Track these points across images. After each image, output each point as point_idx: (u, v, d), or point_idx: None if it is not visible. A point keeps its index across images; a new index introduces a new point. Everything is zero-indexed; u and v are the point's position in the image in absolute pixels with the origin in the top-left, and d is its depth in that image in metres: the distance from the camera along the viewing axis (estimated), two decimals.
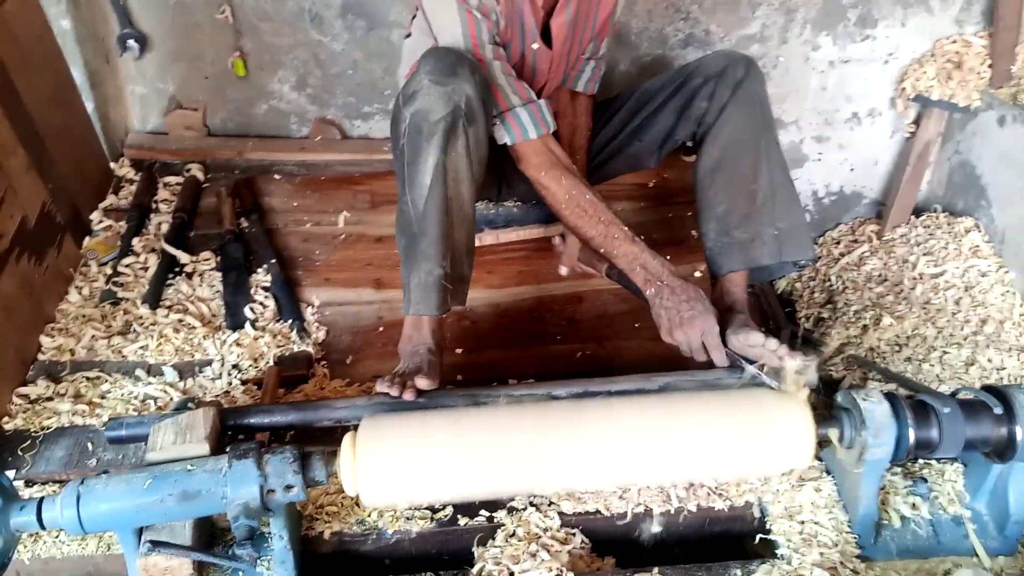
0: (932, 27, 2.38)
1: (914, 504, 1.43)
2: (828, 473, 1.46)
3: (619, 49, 2.33)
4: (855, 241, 2.60)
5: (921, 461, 1.51)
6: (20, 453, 1.47)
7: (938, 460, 1.50)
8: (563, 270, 1.89)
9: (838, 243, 2.63)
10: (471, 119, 1.43)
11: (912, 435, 1.32)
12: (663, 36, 2.32)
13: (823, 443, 1.39)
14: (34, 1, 1.92)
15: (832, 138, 2.56)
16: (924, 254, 2.40)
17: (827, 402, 1.41)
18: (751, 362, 1.44)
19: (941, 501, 1.44)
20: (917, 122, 2.51)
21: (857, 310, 2.34)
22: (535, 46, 1.62)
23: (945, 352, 2.11)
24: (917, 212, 2.58)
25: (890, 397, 1.35)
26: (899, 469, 1.49)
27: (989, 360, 2.07)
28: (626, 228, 1.56)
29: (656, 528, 1.43)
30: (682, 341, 1.51)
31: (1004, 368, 2.06)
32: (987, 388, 1.38)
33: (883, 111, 2.52)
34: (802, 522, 1.39)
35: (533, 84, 1.68)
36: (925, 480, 1.47)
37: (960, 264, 2.32)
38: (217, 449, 1.29)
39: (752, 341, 1.44)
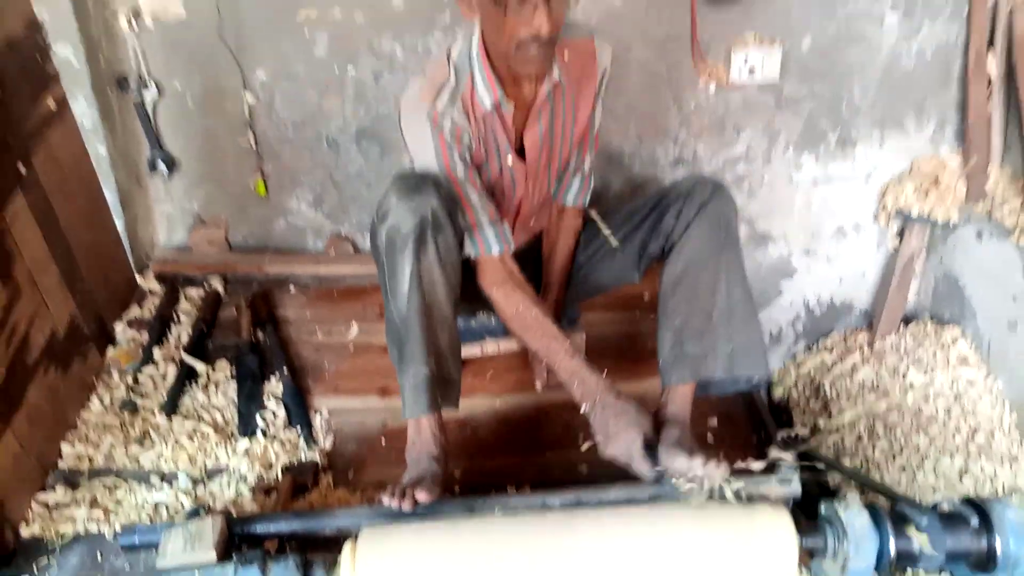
0: (909, 147, 2.54)
1: None
2: None
3: (612, 170, 2.49)
4: (847, 350, 2.68)
5: (909, 571, 1.54)
6: (35, 563, 1.53)
7: (925, 571, 1.54)
8: (538, 384, 2.01)
9: (831, 351, 2.71)
10: (438, 228, 1.56)
11: (893, 546, 1.37)
12: (654, 158, 2.48)
13: (807, 554, 1.44)
14: (75, 129, 2.09)
15: (820, 251, 2.68)
16: (913, 363, 2.48)
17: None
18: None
19: None
20: (901, 235, 2.63)
21: (851, 418, 2.40)
22: (510, 161, 1.74)
23: (938, 461, 2.16)
24: (906, 321, 2.67)
25: (871, 508, 1.40)
26: None
27: (982, 469, 2.12)
28: (568, 344, 1.65)
29: None
30: (614, 455, 1.57)
31: (997, 477, 2.10)
32: (967, 500, 1.43)
33: (867, 225, 2.65)
34: None
35: (513, 195, 1.80)
36: None
37: (949, 373, 2.39)
38: (224, 556, 1.35)
39: (676, 463, 1.48)
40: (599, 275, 1.91)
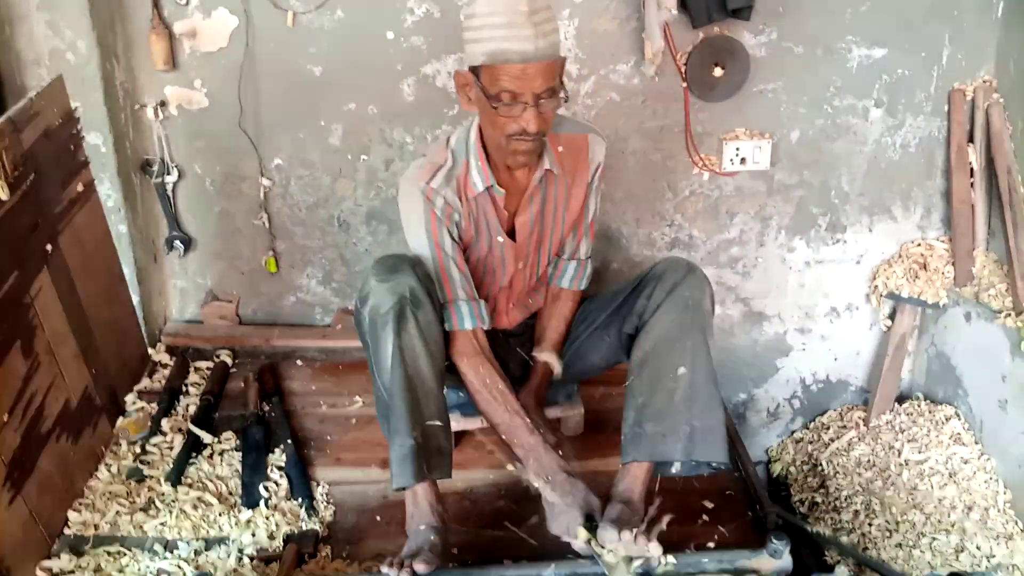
0: (897, 232, 2.63)
1: None
2: None
3: (612, 250, 2.59)
4: (844, 427, 2.71)
5: None
6: None
7: None
8: (509, 467, 2.01)
9: (828, 428, 2.74)
10: (417, 304, 1.65)
11: None
12: (651, 239, 2.59)
13: None
14: (99, 211, 2.20)
15: (814, 330, 2.75)
16: (908, 441, 2.51)
17: None
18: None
19: None
20: (892, 316, 2.70)
21: (848, 495, 2.42)
22: (500, 240, 1.84)
23: (934, 539, 2.17)
24: (901, 399, 2.71)
25: None
26: None
27: (978, 547, 2.13)
28: (529, 423, 1.72)
29: None
30: (556, 532, 1.61)
31: (993, 556, 2.11)
32: (954, 574, 1.46)
33: (860, 305, 2.72)
34: None
35: (503, 272, 1.89)
36: None
37: (943, 451, 2.42)
38: None
39: (607, 537, 1.50)
40: (588, 355, 1.97)
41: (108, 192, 2.29)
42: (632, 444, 1.70)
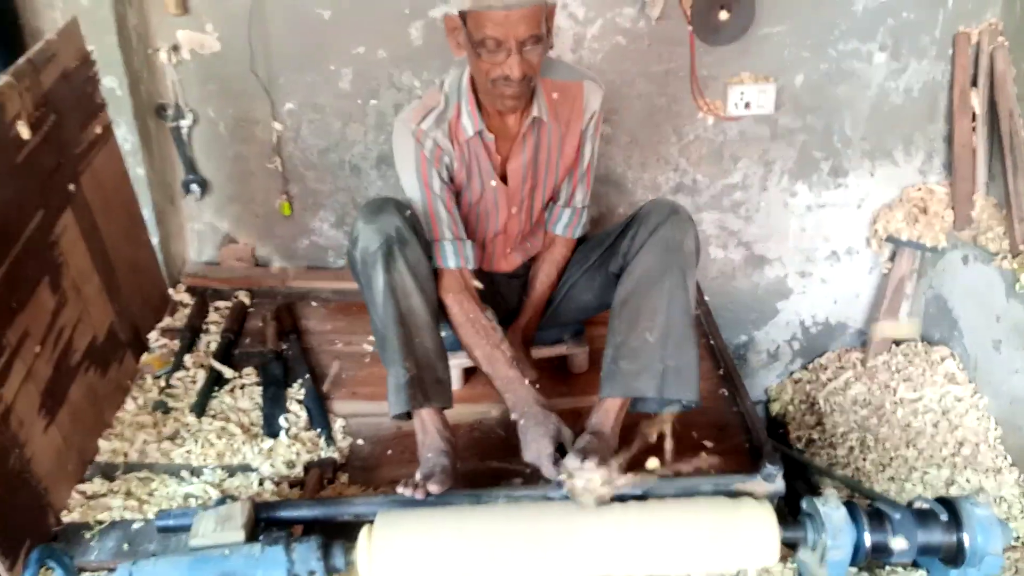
0: (898, 176, 2.67)
1: None
2: None
3: (617, 195, 2.63)
4: (841, 368, 2.79)
5: (888, 567, 1.64)
6: (77, 543, 1.66)
7: (903, 566, 1.64)
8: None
9: (826, 369, 2.82)
10: (403, 243, 1.72)
11: (868, 539, 1.48)
12: (655, 184, 2.63)
13: (792, 545, 1.55)
14: (118, 153, 2.25)
15: (814, 273, 2.81)
16: (904, 380, 2.58)
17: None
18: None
19: None
20: (892, 259, 2.75)
21: (844, 432, 2.51)
22: (493, 184, 1.89)
23: (926, 472, 2.26)
24: (897, 341, 2.78)
25: (848, 504, 1.51)
26: (866, 574, 1.62)
27: (967, 480, 2.21)
28: (509, 357, 1.80)
29: None
30: (529, 460, 1.68)
31: (982, 489, 2.19)
32: (939, 499, 1.54)
33: (860, 249, 2.77)
34: None
35: (497, 216, 1.95)
36: None
37: (937, 390, 2.49)
38: (251, 537, 1.47)
39: (570, 464, 1.55)
40: (582, 295, 2.03)
41: (125, 135, 2.34)
42: (608, 380, 1.76)
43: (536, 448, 1.67)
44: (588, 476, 1.51)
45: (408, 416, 1.75)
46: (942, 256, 2.63)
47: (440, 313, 1.84)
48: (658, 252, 1.76)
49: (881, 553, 1.49)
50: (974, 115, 2.52)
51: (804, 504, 1.54)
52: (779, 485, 1.61)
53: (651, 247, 1.77)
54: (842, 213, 2.71)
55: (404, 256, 1.73)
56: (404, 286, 1.73)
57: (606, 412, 1.75)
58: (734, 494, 1.59)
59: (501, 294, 2.09)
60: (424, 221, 1.84)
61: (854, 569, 1.60)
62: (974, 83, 2.51)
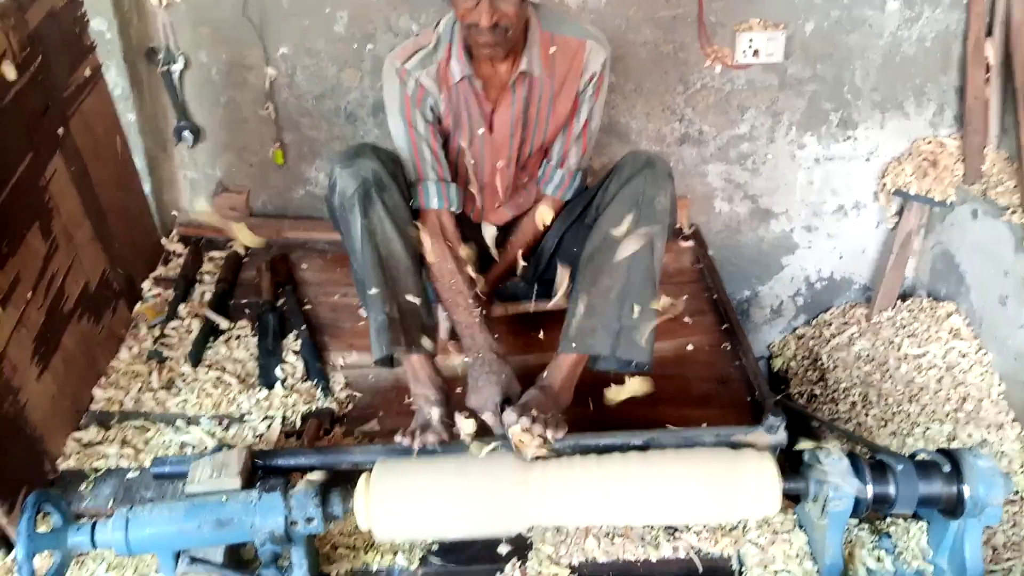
0: (909, 129, 2.61)
1: (879, 557, 1.55)
2: (800, 527, 1.59)
3: (620, 145, 2.57)
4: (845, 323, 2.77)
5: (888, 519, 1.63)
6: (73, 490, 1.65)
7: (904, 518, 1.63)
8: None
9: (830, 325, 2.79)
10: (381, 187, 1.70)
11: (870, 490, 1.46)
12: (660, 135, 2.57)
13: (794, 497, 1.54)
14: (108, 97, 2.20)
15: (821, 228, 2.76)
16: (909, 336, 2.56)
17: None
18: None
19: (905, 556, 1.56)
20: (900, 214, 2.70)
21: (846, 387, 2.49)
22: (480, 132, 1.84)
23: (928, 427, 2.25)
24: (903, 297, 2.75)
25: (850, 455, 1.49)
26: (866, 525, 1.62)
27: (969, 435, 2.20)
28: (471, 302, 1.78)
29: (643, 575, 1.56)
30: (473, 406, 1.67)
31: (984, 443, 2.18)
32: (941, 450, 1.52)
33: (867, 204, 2.72)
34: (776, 572, 1.52)
35: (482, 166, 1.90)
36: (890, 536, 1.59)
37: (942, 346, 2.47)
38: (248, 485, 1.46)
39: (507, 418, 1.55)
40: (571, 251, 1.96)
41: (115, 80, 2.28)
42: (565, 335, 1.74)
43: (483, 396, 1.66)
44: (522, 431, 1.51)
45: (391, 361, 1.73)
46: (951, 211, 2.59)
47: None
48: (627, 207, 1.72)
49: (882, 504, 1.48)
50: (988, 66, 2.45)
51: (806, 456, 1.53)
52: (781, 436, 1.59)
53: (620, 201, 1.73)
54: (850, 166, 2.66)
55: (382, 200, 1.70)
56: (383, 230, 1.71)
57: (558, 367, 1.74)
58: (736, 446, 1.57)
59: (488, 248, 2.04)
60: (409, 162, 1.81)
61: (854, 520, 1.59)
62: (989, 33, 2.43)
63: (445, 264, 1.80)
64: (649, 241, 1.71)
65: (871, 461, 1.50)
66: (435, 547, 1.54)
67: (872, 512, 1.51)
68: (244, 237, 2.30)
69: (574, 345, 1.72)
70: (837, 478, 1.45)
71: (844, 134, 2.62)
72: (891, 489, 1.46)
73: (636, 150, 1.83)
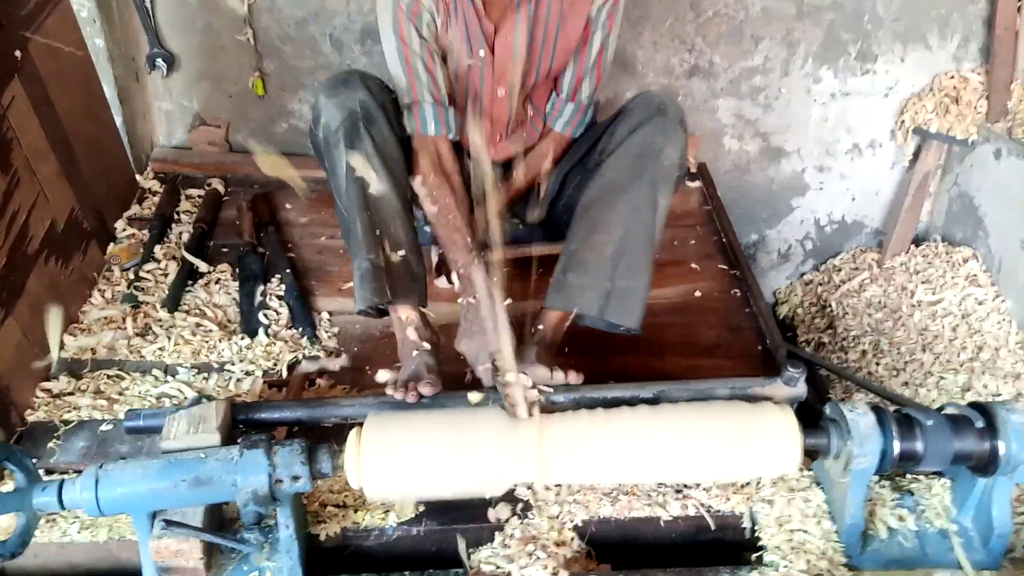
0: (930, 63, 2.46)
1: (901, 516, 1.47)
2: (818, 484, 1.50)
3: (626, 78, 2.42)
4: (856, 269, 2.66)
5: (909, 476, 1.55)
6: (42, 443, 1.54)
7: (926, 475, 1.55)
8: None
9: (839, 270, 2.69)
10: (369, 120, 1.56)
11: (897, 447, 1.36)
12: (669, 66, 2.41)
13: (813, 454, 1.44)
14: (72, 19, 2.02)
15: (833, 168, 2.64)
16: (923, 282, 2.46)
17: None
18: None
19: (928, 515, 1.48)
20: (917, 154, 2.57)
21: (856, 335, 2.39)
22: (482, 52, 1.69)
23: (942, 378, 2.16)
24: (917, 242, 2.64)
25: (876, 409, 1.39)
26: (887, 483, 1.53)
27: (985, 386, 2.12)
28: (469, 240, 1.63)
29: (650, 534, 1.47)
30: (463, 351, 1.57)
31: (1000, 394, 2.11)
32: (973, 404, 1.43)
33: (883, 143, 2.59)
34: (791, 531, 1.43)
35: (481, 92, 1.75)
36: (912, 494, 1.51)
37: (957, 293, 2.37)
38: (228, 441, 1.34)
39: (506, 378, 1.45)
40: (574, 195, 1.82)
41: (81, 1, 2.09)
42: (553, 291, 1.64)
43: (477, 343, 1.54)
44: (515, 388, 1.41)
45: (377, 312, 1.61)
46: (972, 150, 2.46)
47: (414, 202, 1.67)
48: (631, 157, 1.60)
49: (909, 462, 1.39)
50: None
51: (828, 410, 1.43)
52: (801, 389, 1.49)
53: (625, 150, 1.61)
54: (867, 102, 2.52)
55: (370, 135, 1.56)
56: (373, 169, 1.56)
57: (548, 323, 1.64)
58: (752, 399, 1.47)
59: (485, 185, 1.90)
60: (402, 84, 1.65)
61: (874, 477, 1.50)
62: None
63: (442, 197, 1.65)
64: (652, 197, 1.59)
65: (897, 415, 1.41)
66: (431, 506, 1.45)
67: (895, 469, 1.42)
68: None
69: (560, 301, 1.62)
70: (862, 434, 1.35)
71: (862, 67, 2.47)
72: (919, 445, 1.37)
73: (648, 92, 1.67)
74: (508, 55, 1.69)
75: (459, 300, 1.61)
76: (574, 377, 1.49)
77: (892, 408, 1.47)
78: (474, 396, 1.46)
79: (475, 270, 1.61)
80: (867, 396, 1.97)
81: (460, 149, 1.80)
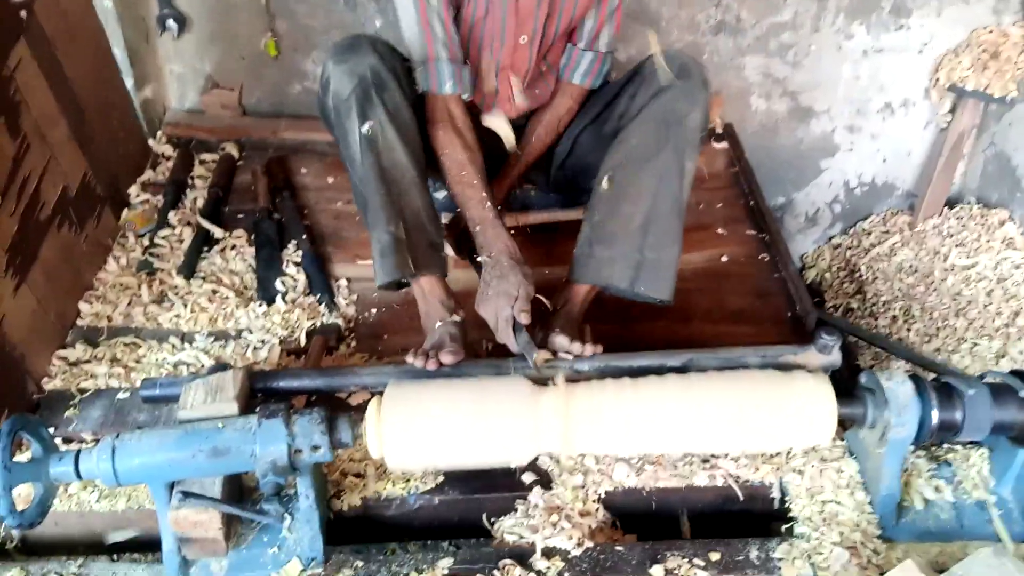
0: (968, 17, 2.36)
1: (937, 487, 1.43)
2: (851, 454, 1.46)
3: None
4: (886, 232, 2.59)
5: (946, 445, 1.50)
6: (59, 412, 1.53)
7: (963, 445, 1.49)
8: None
9: (869, 234, 2.62)
10: (381, 86, 1.50)
11: (936, 416, 1.32)
12: (694, 22, 2.32)
13: (846, 423, 1.40)
14: None
15: (864, 128, 2.55)
16: (956, 246, 2.39)
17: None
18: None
19: (965, 485, 1.43)
20: (952, 113, 2.48)
21: (887, 300, 2.33)
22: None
23: (976, 344, 2.10)
24: (950, 204, 2.56)
25: (914, 378, 1.34)
26: (923, 452, 1.49)
27: (1021, 352, 2.06)
28: (486, 197, 1.57)
29: (677, 504, 1.44)
30: (484, 316, 1.50)
31: None
32: (1016, 372, 1.37)
33: (917, 101, 2.50)
34: (823, 502, 1.39)
35: (502, 45, 1.67)
36: (949, 464, 1.46)
37: (993, 256, 2.30)
38: (246, 410, 1.32)
39: (523, 345, 1.43)
40: (586, 156, 1.79)
41: None
42: (579, 264, 1.59)
43: (497, 307, 1.48)
44: (546, 356, 1.40)
45: (398, 286, 1.57)
46: (1010, 108, 2.36)
47: (430, 170, 1.62)
48: (655, 123, 1.53)
49: (948, 432, 1.34)
50: None
51: (864, 378, 1.38)
52: (835, 357, 1.44)
53: (648, 115, 1.55)
54: (901, 59, 2.41)
55: (382, 101, 1.50)
56: (385, 137, 1.51)
57: (575, 296, 1.60)
58: (784, 367, 1.42)
59: (497, 144, 1.84)
60: (416, 39, 1.57)
61: (910, 447, 1.45)
62: None
63: (456, 154, 1.59)
64: (679, 164, 1.53)
65: (936, 384, 1.35)
66: (452, 475, 1.42)
67: (932, 439, 1.37)
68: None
69: (588, 275, 1.57)
70: (900, 403, 1.30)
71: (896, 22, 2.36)
72: (958, 415, 1.32)
73: (668, 53, 1.60)
74: (532, 2, 1.61)
75: (479, 259, 1.55)
76: (591, 349, 1.45)
77: (930, 377, 1.42)
78: (543, 355, 1.42)
79: (492, 226, 1.55)
80: (902, 364, 1.91)
81: (472, 108, 1.74)
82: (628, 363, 1.44)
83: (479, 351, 1.63)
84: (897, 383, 1.32)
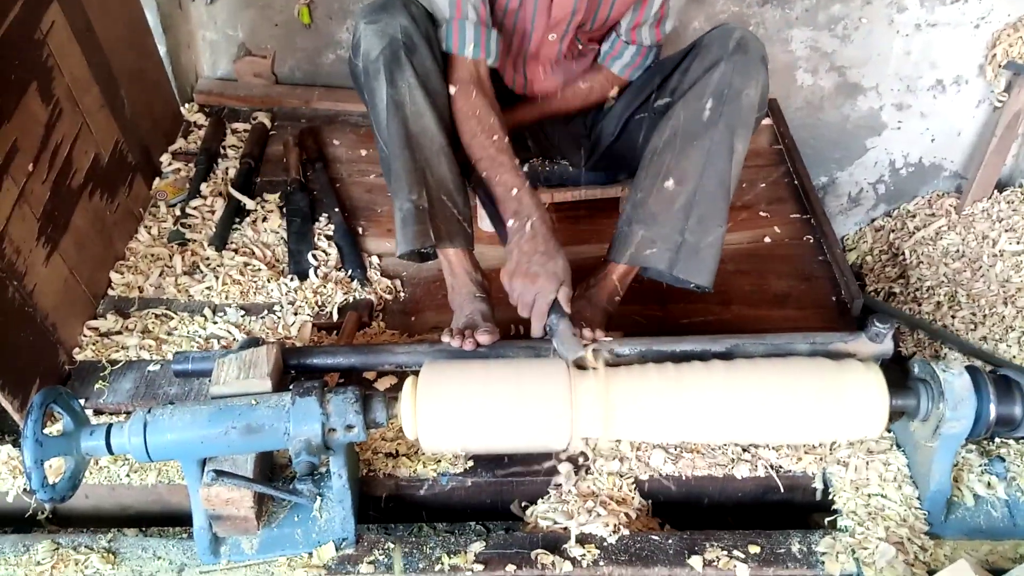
0: None
1: (989, 483, 1.37)
2: (898, 446, 1.41)
3: (693, 6, 2.25)
4: (932, 215, 2.50)
5: (999, 440, 1.45)
6: (90, 383, 1.51)
7: (1017, 439, 1.44)
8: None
9: (914, 216, 2.53)
10: (411, 48, 1.45)
11: (993, 410, 1.26)
12: None
13: (894, 415, 1.34)
14: None
15: (914, 106, 2.45)
16: (1006, 230, 2.30)
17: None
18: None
19: (1019, 482, 1.38)
20: (1007, 91, 2.37)
21: (931, 286, 2.25)
22: None
23: None
24: (1000, 187, 2.46)
25: (971, 370, 1.28)
26: (974, 447, 1.43)
27: None
28: (517, 162, 1.49)
29: (715, 493, 1.40)
30: (515, 289, 1.40)
31: None
32: None
33: (970, 79, 2.39)
34: (869, 495, 1.35)
35: (531, 37, 1.62)
36: (1003, 459, 1.41)
37: None
38: (279, 387, 1.29)
39: (562, 327, 1.36)
40: (635, 136, 1.71)
41: None
42: (618, 243, 1.53)
43: (536, 287, 1.39)
44: (569, 341, 1.33)
45: (420, 256, 1.53)
46: None
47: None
48: (708, 99, 1.46)
49: (1005, 426, 1.28)
50: None
51: (917, 368, 1.32)
52: (887, 346, 1.39)
53: (700, 91, 1.47)
54: (956, 34, 2.31)
55: (412, 64, 1.45)
56: (413, 101, 1.46)
57: (610, 276, 1.54)
58: (833, 355, 1.37)
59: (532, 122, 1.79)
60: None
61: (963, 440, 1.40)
62: None
63: (485, 118, 1.51)
64: (729, 143, 1.46)
65: (994, 376, 1.29)
66: (485, 456, 1.39)
67: (986, 434, 1.32)
68: None
69: (626, 255, 1.51)
70: (956, 396, 1.24)
71: None
72: (1017, 410, 1.27)
73: (726, 26, 1.52)
74: (567, 5, 1.55)
75: (509, 223, 1.46)
76: (600, 334, 1.40)
77: (987, 369, 1.36)
78: (588, 358, 1.35)
79: (525, 192, 1.47)
80: (958, 355, 1.84)
81: (496, 75, 1.67)
82: (671, 347, 1.39)
83: (511, 334, 1.59)
84: (954, 375, 1.26)
